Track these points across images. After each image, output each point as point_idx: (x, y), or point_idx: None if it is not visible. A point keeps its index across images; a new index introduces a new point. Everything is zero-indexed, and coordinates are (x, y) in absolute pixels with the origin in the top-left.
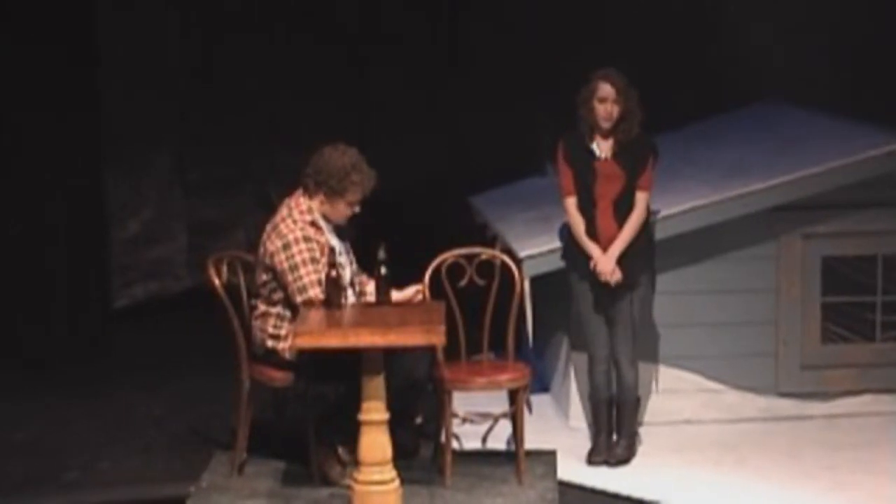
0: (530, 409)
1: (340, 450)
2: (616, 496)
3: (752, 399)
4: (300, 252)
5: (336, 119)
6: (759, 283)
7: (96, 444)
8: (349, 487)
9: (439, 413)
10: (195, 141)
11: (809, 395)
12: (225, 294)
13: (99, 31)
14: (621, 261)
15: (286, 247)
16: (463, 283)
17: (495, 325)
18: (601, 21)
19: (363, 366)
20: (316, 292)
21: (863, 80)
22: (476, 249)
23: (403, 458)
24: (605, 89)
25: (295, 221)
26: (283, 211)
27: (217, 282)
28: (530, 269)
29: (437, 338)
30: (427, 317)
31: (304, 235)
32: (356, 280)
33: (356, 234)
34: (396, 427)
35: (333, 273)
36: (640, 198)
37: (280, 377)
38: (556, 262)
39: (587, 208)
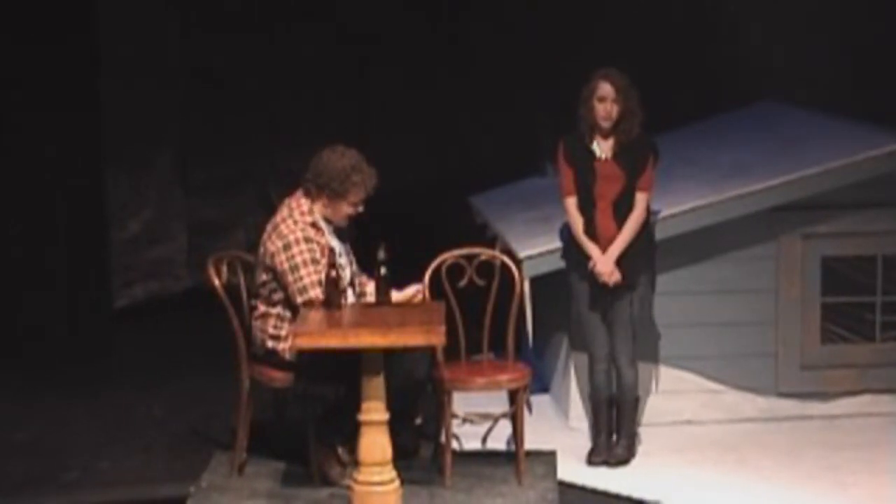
0: (530, 410)
1: (340, 450)
2: (616, 496)
3: (752, 399)
4: (301, 252)
5: (336, 119)
6: (759, 283)
7: (96, 444)
8: (349, 488)
9: (439, 413)
10: (195, 141)
11: (809, 396)
12: (225, 294)
13: (99, 31)
14: (621, 261)
15: (287, 247)
16: (463, 283)
17: (495, 326)
18: (601, 21)
19: (363, 366)
20: (316, 293)
21: (863, 80)
22: (476, 250)
23: (403, 458)
24: (605, 88)
25: (296, 222)
26: (284, 211)
27: (217, 282)
28: (530, 270)
29: (437, 338)
30: (427, 317)
31: (304, 236)
32: (356, 280)
33: (356, 234)
34: (396, 427)
35: (333, 274)
36: (640, 198)
37: (280, 377)
38: (556, 263)
39: (587, 208)
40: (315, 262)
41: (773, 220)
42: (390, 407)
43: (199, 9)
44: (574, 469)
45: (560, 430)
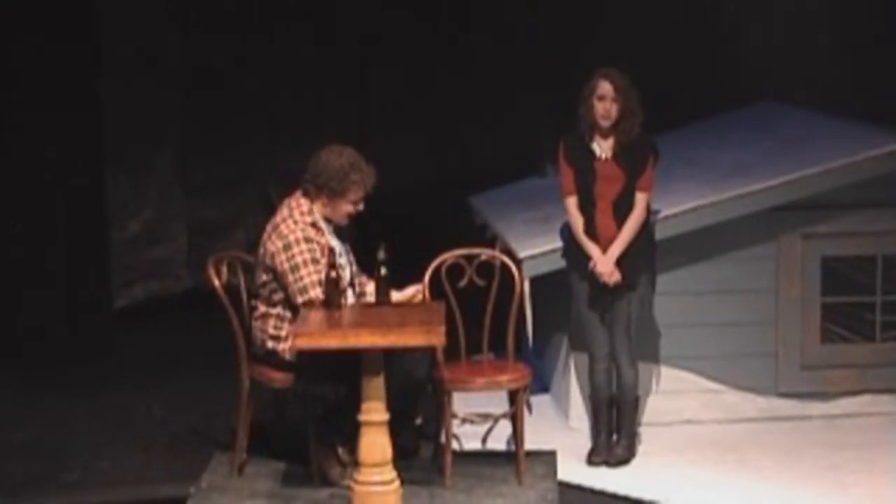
0: (530, 410)
1: (340, 450)
2: (616, 496)
3: (752, 399)
4: (301, 253)
5: (336, 119)
6: (759, 283)
7: (96, 444)
8: (349, 488)
9: (439, 413)
10: (195, 141)
11: (809, 396)
12: (225, 295)
13: (99, 31)
14: (621, 261)
15: (287, 247)
16: (463, 283)
17: (495, 326)
18: (601, 21)
19: (363, 366)
20: (317, 293)
21: (863, 80)
22: (476, 250)
23: (403, 458)
24: (605, 87)
25: (296, 222)
26: (284, 211)
27: (217, 282)
28: (530, 270)
29: (437, 338)
30: (427, 317)
31: (304, 236)
32: (356, 281)
33: (356, 234)
34: (396, 428)
35: (333, 274)
36: (640, 198)
37: (280, 378)
38: (556, 263)
39: (587, 208)
40: (315, 262)
41: (773, 220)
42: (390, 407)
43: (199, 9)
44: (574, 469)
45: (560, 430)
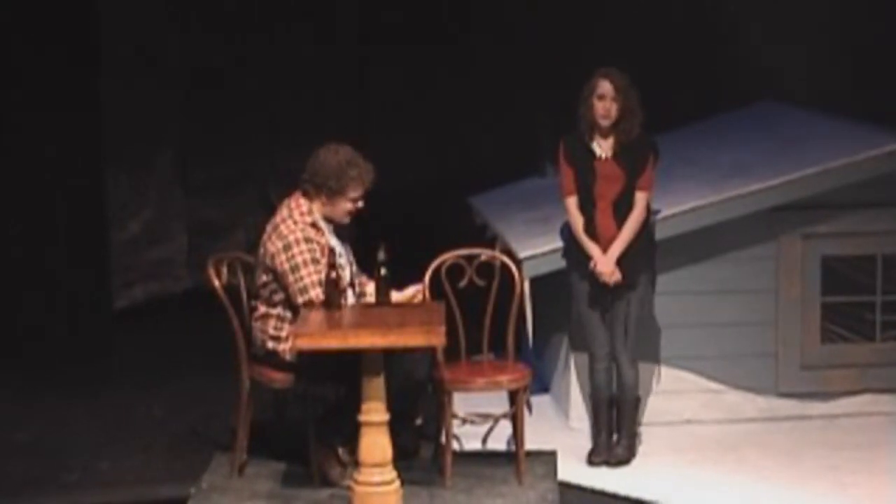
0: (530, 410)
1: (340, 451)
2: (616, 496)
3: (753, 399)
4: (301, 253)
5: (336, 119)
6: (759, 283)
7: (96, 444)
8: (349, 488)
9: (439, 414)
10: (195, 141)
11: (809, 396)
12: (225, 295)
13: (99, 31)
14: (621, 261)
15: (287, 247)
16: (463, 283)
17: (495, 326)
18: (601, 21)
19: (363, 367)
20: (317, 293)
21: (863, 80)
22: (476, 250)
23: (403, 458)
24: (605, 87)
25: (295, 222)
26: (284, 212)
27: (217, 283)
28: (530, 270)
29: (437, 339)
30: (427, 318)
31: (304, 236)
32: (356, 281)
33: (357, 233)
34: (396, 428)
35: (333, 274)
36: (640, 198)
37: (280, 378)
38: (556, 263)
39: (587, 208)
40: (315, 262)
41: (773, 220)
42: (390, 407)
43: (199, 9)
44: (574, 469)
45: (560, 430)
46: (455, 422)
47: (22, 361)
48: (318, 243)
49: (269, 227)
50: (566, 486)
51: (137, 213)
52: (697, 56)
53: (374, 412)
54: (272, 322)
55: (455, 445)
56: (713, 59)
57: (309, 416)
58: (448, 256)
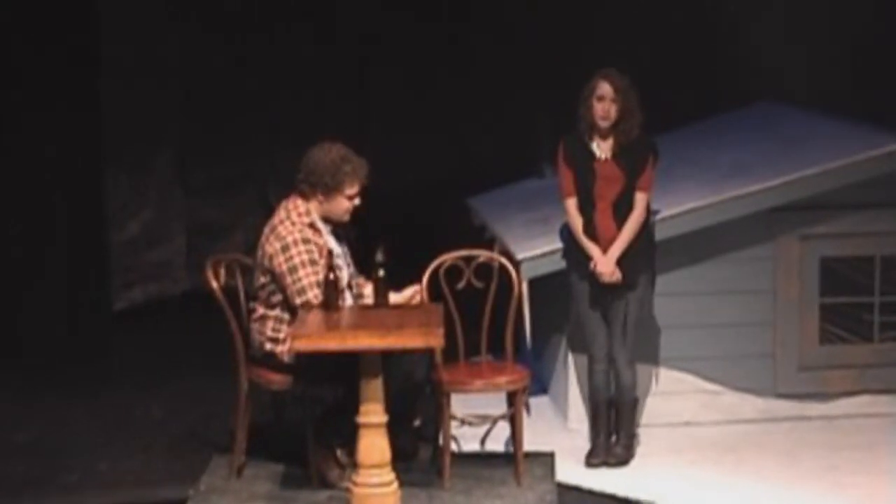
0: (529, 411)
1: (339, 452)
2: (614, 497)
3: (751, 400)
4: (299, 254)
5: (336, 119)
6: (758, 284)
7: (95, 445)
8: (348, 490)
9: (438, 415)
10: (195, 141)
11: (808, 396)
12: (223, 296)
13: (99, 31)
14: (621, 261)
15: (285, 248)
16: (461, 285)
17: (494, 328)
18: (601, 22)
19: (361, 368)
20: (315, 294)
21: (863, 80)
22: (474, 251)
23: (402, 460)
24: (604, 87)
25: (293, 223)
26: (281, 213)
27: (215, 284)
28: (528, 271)
29: (436, 340)
30: (425, 319)
31: (302, 237)
32: (354, 282)
33: (355, 233)
34: (395, 429)
35: (332, 275)
36: (640, 198)
37: (278, 380)
38: (555, 264)
39: (586, 209)
40: (313, 263)
41: (771, 221)
42: (389, 409)
43: (199, 9)
44: (573, 470)
45: (559, 431)
46: (453, 423)
47: (22, 361)
48: (317, 244)
49: (267, 229)
50: (565, 488)
51: (137, 214)
52: (697, 56)
53: (373, 414)
54: (270, 323)
55: (453, 447)
56: (713, 59)
57: (307, 418)
58: (447, 258)
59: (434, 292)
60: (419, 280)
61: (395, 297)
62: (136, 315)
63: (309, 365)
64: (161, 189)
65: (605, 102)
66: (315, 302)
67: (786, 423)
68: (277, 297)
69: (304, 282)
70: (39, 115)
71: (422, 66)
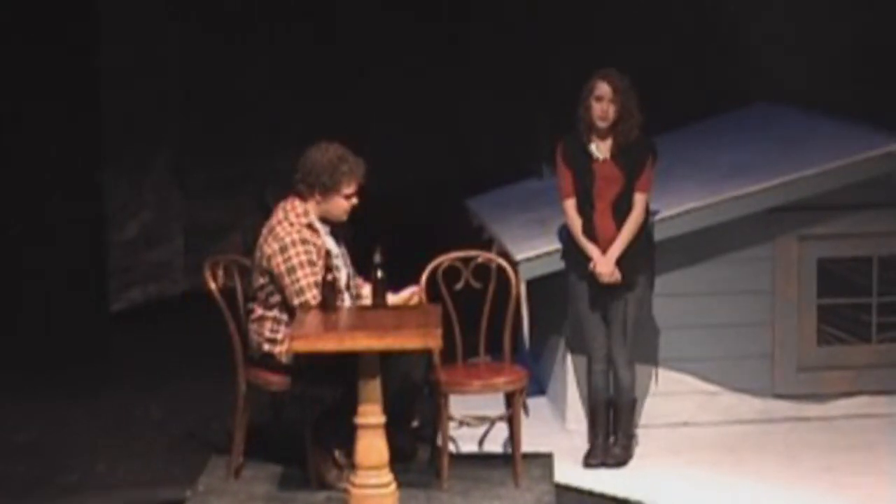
0: (527, 412)
1: (337, 453)
2: (613, 498)
3: (749, 401)
4: (297, 255)
5: (336, 119)
6: (756, 284)
7: (94, 446)
8: (346, 491)
9: (436, 416)
10: (195, 141)
11: (806, 397)
12: (221, 297)
13: (99, 31)
14: (620, 261)
15: (283, 249)
16: (459, 285)
17: (492, 328)
18: (601, 22)
19: (360, 369)
20: (313, 295)
21: (863, 80)
22: (472, 252)
23: (400, 461)
24: (603, 88)
25: (291, 224)
26: (279, 214)
27: (213, 285)
28: (527, 272)
29: (434, 341)
30: (423, 320)
31: (301, 238)
32: (352, 283)
33: (353, 235)
34: (393, 430)
35: (330, 276)
36: (639, 199)
37: (277, 381)
38: (553, 265)
39: (585, 209)
40: (312, 263)
41: (769, 222)
42: (387, 410)
43: (199, 9)
44: (571, 471)
45: (557, 432)
46: (452, 424)
47: (22, 362)
48: (315, 245)
49: (265, 230)
50: (563, 488)
51: (136, 214)
52: (697, 56)
53: (371, 414)
54: (268, 324)
55: (452, 448)
56: (713, 59)
57: (306, 419)
58: (445, 258)
59: (432, 293)
60: (417, 281)
61: (393, 298)
62: (134, 316)
63: (307, 366)
64: (160, 190)
65: (603, 103)
66: (313, 303)
67: (784, 423)
68: (276, 298)
69: (303, 282)
70: (39, 116)
71: (421, 66)
